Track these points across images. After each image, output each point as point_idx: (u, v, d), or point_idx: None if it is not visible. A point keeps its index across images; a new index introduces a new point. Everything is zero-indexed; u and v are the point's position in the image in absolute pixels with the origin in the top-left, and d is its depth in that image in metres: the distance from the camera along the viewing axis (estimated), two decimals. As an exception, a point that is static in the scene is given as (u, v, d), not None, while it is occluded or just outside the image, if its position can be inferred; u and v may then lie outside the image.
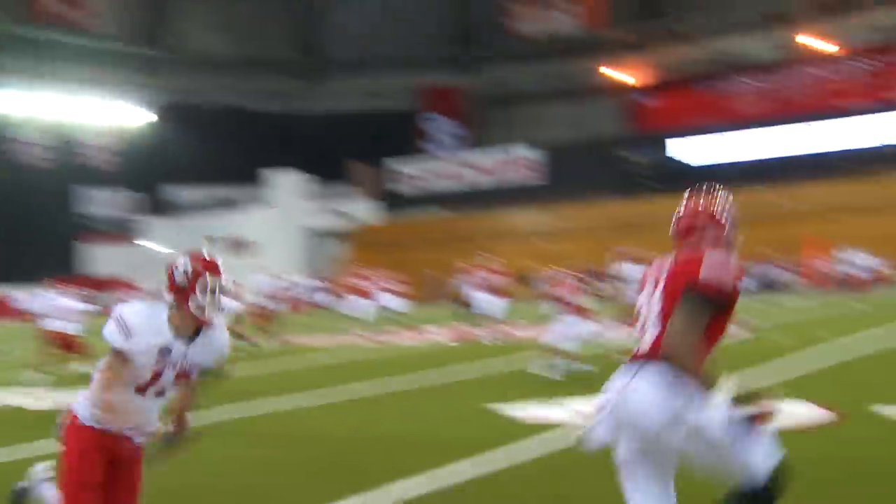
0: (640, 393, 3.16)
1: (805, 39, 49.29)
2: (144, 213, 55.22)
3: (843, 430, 6.74)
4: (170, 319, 3.67)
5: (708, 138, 49.56)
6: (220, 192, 56.20)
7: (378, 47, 58.95)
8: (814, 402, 7.84)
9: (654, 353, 3.25)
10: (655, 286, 3.42)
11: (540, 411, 8.16)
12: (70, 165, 51.94)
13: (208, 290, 3.62)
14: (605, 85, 54.93)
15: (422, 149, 59.28)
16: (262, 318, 18.91)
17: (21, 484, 4.29)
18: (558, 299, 11.55)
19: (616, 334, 11.85)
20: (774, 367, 10.66)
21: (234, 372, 10.55)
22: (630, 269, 14.60)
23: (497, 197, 52.52)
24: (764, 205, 42.79)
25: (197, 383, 3.87)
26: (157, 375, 3.67)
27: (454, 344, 17.54)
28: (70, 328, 12.08)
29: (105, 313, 4.02)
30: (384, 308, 26.56)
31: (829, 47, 49.07)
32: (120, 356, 3.61)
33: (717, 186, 3.93)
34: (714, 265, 3.22)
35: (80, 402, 3.75)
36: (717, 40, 51.93)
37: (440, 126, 59.79)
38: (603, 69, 54.43)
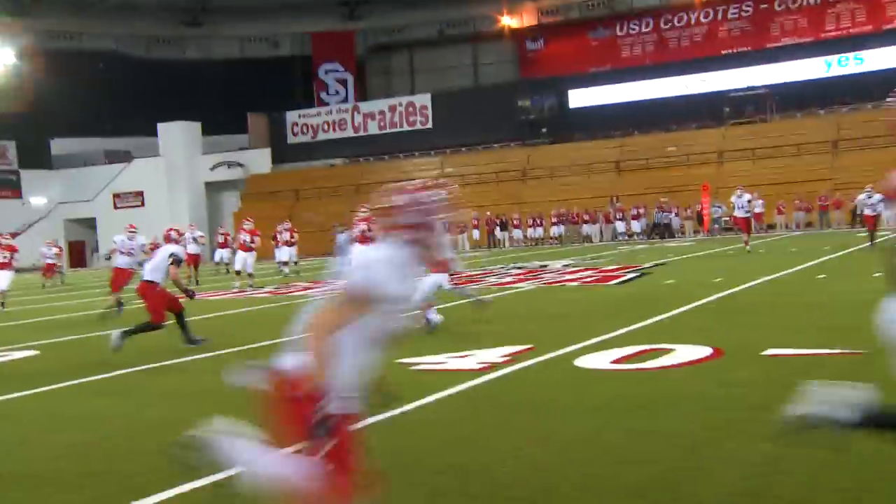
0: None
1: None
2: (26, 166, 52.78)
3: (727, 371, 7.10)
4: (408, 260, 3.20)
5: (601, 86, 50.28)
6: (110, 144, 54.20)
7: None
8: (700, 343, 8.22)
9: None
10: None
11: (450, 363, 8.30)
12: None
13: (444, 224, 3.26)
14: (499, 31, 54.99)
15: (314, 97, 58.29)
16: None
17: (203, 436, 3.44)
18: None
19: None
20: (663, 309, 11.08)
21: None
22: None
23: (390, 145, 52.31)
24: (653, 150, 44.05)
25: None
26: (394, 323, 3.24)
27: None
28: None
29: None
30: (278, 261, 26.65)
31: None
32: (376, 305, 3.06)
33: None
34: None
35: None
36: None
37: (332, 74, 58.80)
38: (496, 15, 54.43)
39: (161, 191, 51.55)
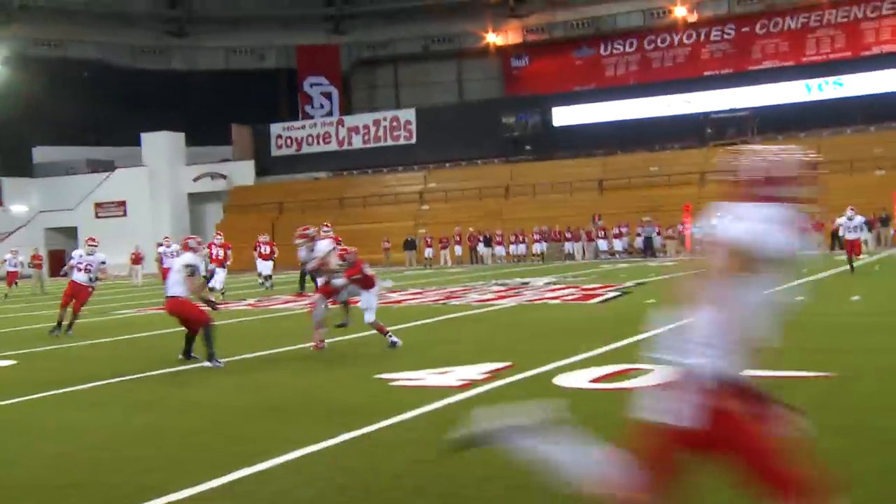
0: None
1: (675, 9, 51.04)
2: (7, 174, 52.45)
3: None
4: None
5: (585, 104, 50.55)
6: (93, 153, 53.97)
7: (250, 3, 57.51)
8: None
9: None
10: None
11: (429, 379, 8.35)
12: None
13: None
14: (483, 48, 55.33)
15: (299, 110, 58.36)
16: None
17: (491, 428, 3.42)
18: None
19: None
20: (642, 329, 11.18)
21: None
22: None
23: (374, 159, 52.39)
24: (636, 169, 44.38)
25: None
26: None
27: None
28: None
29: None
30: (259, 274, 26.60)
31: (691, 16, 51.01)
32: (760, 265, 2.91)
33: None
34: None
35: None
36: (591, 6, 53.05)
37: (317, 87, 58.92)
38: (481, 32, 54.79)
39: (143, 201, 51.36)
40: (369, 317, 10.68)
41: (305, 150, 54.99)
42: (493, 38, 54.84)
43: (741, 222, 2.98)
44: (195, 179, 52.57)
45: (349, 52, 58.85)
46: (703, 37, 51.23)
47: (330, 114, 57.61)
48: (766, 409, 3.01)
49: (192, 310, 10.16)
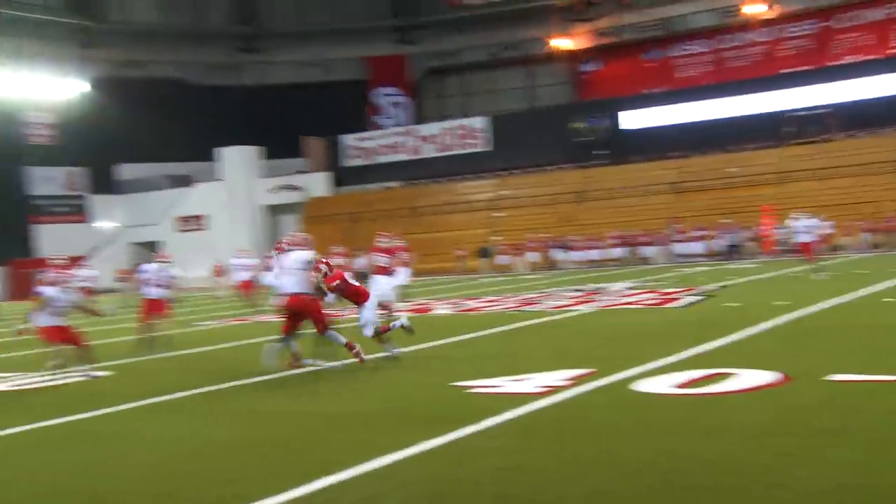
0: None
1: (747, 7, 50.04)
2: (95, 192, 54.33)
3: (792, 396, 7.01)
4: None
5: (654, 107, 49.80)
6: (172, 169, 55.47)
7: (319, 17, 58.37)
8: (764, 368, 8.13)
9: None
10: None
11: (507, 386, 8.32)
12: (13, 144, 50.65)
13: None
14: (552, 53, 55.04)
15: (370, 121, 58.94)
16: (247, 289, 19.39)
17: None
18: None
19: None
20: (726, 333, 10.95)
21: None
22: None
23: (445, 167, 52.57)
24: (711, 171, 43.57)
25: None
26: None
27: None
28: None
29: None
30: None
31: (768, 13, 49.91)
32: None
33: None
34: None
35: None
36: (660, 7, 52.35)
37: (387, 97, 59.44)
38: (548, 38, 54.51)
39: (222, 214, 52.49)
40: (368, 332, 10.54)
41: (377, 160, 55.49)
42: (559, 43, 54.51)
43: None
44: (271, 191, 53.52)
45: (418, 62, 59.25)
46: (779, 33, 50.04)
47: (401, 123, 58.04)
48: None
49: (309, 306, 10.19)
